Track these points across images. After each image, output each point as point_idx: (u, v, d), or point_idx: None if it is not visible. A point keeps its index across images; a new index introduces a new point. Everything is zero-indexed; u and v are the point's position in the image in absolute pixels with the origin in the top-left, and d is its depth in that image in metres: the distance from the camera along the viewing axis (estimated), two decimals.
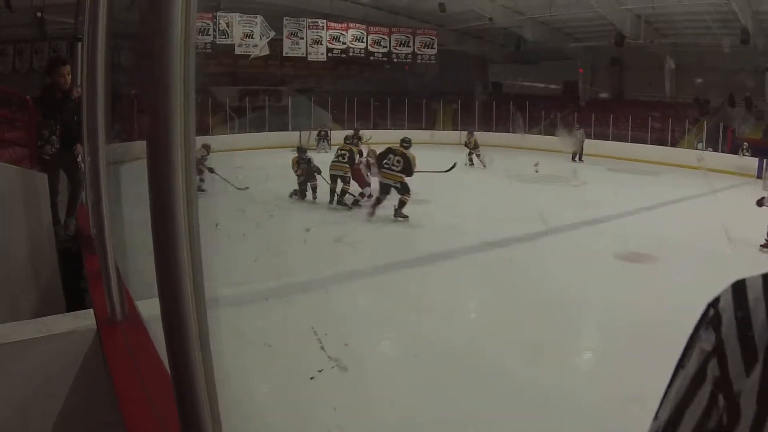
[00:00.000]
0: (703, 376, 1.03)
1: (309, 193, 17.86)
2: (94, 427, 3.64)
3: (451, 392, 6.59)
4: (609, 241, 13.23)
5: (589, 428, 5.93)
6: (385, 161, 15.61)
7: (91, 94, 3.58)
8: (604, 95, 38.24)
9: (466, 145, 27.94)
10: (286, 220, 15.76)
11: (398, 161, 15.34)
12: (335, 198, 17.22)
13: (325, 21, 38.08)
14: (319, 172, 17.51)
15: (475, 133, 28.62)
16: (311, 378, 6.86)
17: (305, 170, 17.63)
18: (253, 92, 37.29)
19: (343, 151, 17.29)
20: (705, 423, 0.99)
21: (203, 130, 29.03)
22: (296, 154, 17.98)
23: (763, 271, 1.04)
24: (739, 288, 1.07)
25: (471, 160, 26.76)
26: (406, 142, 16.17)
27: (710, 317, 1.07)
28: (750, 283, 1.07)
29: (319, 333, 7.75)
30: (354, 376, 7.02)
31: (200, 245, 1.48)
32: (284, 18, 36.46)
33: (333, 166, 17.18)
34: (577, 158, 31.13)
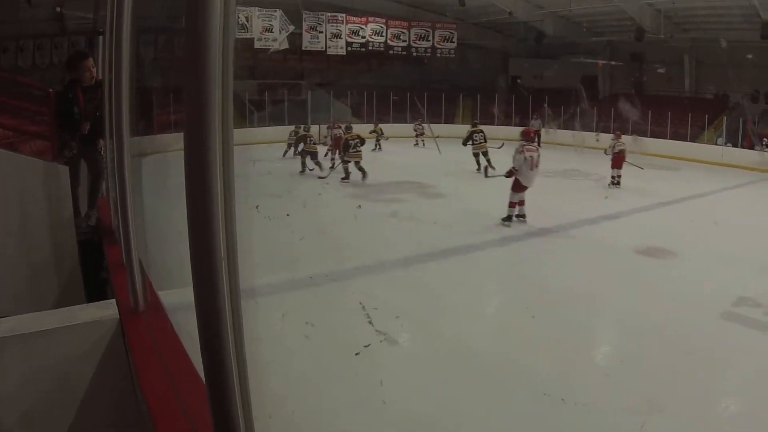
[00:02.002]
0: None
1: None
2: (118, 415, 3.69)
3: (468, 387, 6.61)
4: (627, 236, 13.18)
5: (604, 428, 5.93)
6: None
7: (116, 89, 3.62)
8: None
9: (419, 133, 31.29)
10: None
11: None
12: (362, 175, 21.01)
13: (344, 15, 38.12)
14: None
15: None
16: (356, 354, 6.92)
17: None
18: (273, 86, 37.33)
19: (357, 140, 21.27)
20: None
21: None
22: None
23: None
24: None
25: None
26: (349, 129, 23.40)
27: None
28: None
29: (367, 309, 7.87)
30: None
31: (236, 236, 1.51)
32: (303, 12, 36.51)
33: (354, 155, 20.95)
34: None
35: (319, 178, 21.39)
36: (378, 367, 6.88)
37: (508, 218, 14.23)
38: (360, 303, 8.27)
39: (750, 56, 30.42)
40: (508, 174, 14.24)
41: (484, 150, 22.76)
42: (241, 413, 1.59)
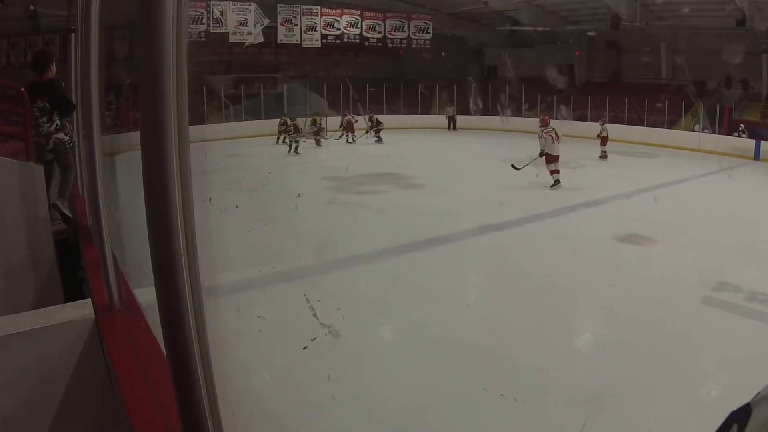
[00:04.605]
0: None
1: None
2: (95, 416, 3.66)
3: (446, 375, 6.61)
4: (607, 224, 13.24)
5: (583, 414, 5.93)
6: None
7: (84, 87, 3.58)
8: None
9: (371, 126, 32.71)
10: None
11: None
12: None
13: (319, 7, 38.05)
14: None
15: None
16: (304, 348, 6.87)
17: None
18: (248, 80, 37.25)
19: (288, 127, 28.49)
20: None
21: (198, 118, 29.09)
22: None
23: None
24: None
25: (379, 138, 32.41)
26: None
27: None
28: None
29: (311, 302, 7.80)
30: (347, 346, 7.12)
31: (195, 234, 1.49)
32: (278, 5, 36.41)
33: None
34: (451, 128, 39.42)
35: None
36: (325, 361, 6.85)
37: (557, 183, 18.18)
38: (304, 295, 8.21)
39: (687, 9, 30.85)
40: (541, 154, 18.41)
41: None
42: (208, 410, 1.57)
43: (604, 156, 25.24)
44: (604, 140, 25.53)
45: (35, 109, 7.47)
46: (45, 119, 7.46)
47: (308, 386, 6.34)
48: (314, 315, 7.52)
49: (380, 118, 32.82)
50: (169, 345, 1.54)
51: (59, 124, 7.54)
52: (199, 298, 1.52)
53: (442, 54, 39.88)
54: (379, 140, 31.61)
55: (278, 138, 29.56)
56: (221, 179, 17.50)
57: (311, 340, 6.99)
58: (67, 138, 7.57)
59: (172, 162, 1.39)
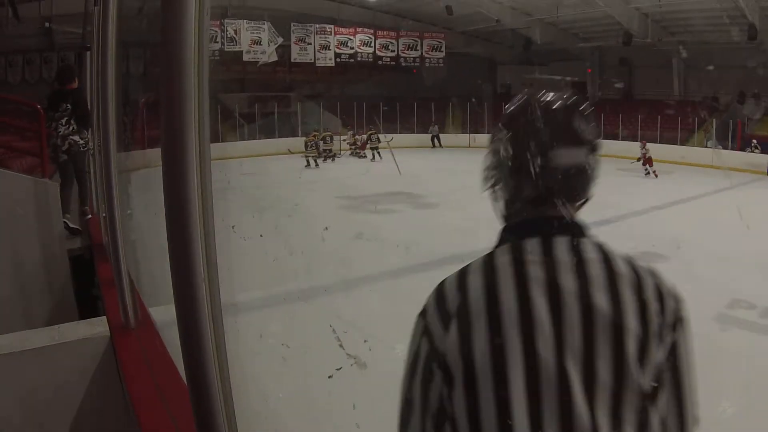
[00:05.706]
0: (417, 353, 1.39)
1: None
2: None
3: None
4: (620, 241, 12.96)
5: None
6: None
7: (102, 104, 3.59)
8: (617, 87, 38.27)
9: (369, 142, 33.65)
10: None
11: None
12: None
13: (332, 26, 38.14)
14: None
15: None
16: (329, 377, 6.85)
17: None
18: (262, 99, 37.32)
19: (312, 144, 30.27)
20: (429, 395, 1.32)
21: (213, 137, 29.24)
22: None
23: None
24: (438, 286, 1.49)
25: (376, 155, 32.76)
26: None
27: (421, 311, 1.46)
28: (448, 280, 1.49)
29: (337, 332, 7.76)
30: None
31: (215, 252, 1.49)
32: (292, 24, 36.51)
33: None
34: (437, 144, 40.16)
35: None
36: (351, 390, 6.81)
37: None
38: (330, 326, 8.17)
39: (711, 67, 30.83)
40: None
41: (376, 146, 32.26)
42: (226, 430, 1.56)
43: (654, 174, 25.50)
44: (649, 161, 25.87)
45: (59, 112, 7.64)
46: (64, 121, 7.62)
47: (332, 414, 6.33)
48: (340, 346, 7.49)
49: (391, 135, 33.22)
50: (189, 369, 1.53)
51: (75, 127, 7.68)
52: (220, 322, 1.51)
53: (456, 72, 39.95)
54: (377, 157, 32.08)
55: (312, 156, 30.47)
56: (239, 199, 17.49)
57: (337, 369, 6.98)
58: (82, 141, 7.70)
59: (194, 184, 1.39)
